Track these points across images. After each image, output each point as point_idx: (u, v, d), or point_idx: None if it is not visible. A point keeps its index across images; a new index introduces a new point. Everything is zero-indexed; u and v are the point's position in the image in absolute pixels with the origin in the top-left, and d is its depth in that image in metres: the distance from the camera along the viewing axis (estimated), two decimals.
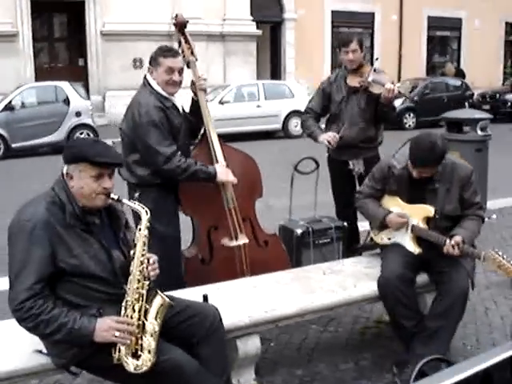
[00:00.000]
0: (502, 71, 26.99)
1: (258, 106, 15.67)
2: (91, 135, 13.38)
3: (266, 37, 22.13)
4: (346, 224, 4.43)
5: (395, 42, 24.87)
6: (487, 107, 17.38)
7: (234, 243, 3.74)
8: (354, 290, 3.38)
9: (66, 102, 13.72)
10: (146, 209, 2.56)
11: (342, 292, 3.34)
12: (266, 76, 21.74)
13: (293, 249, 4.19)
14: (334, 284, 3.44)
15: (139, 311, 2.45)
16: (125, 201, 2.59)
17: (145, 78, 3.63)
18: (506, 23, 26.67)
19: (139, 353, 2.41)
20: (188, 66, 3.79)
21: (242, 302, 3.16)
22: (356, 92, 4.46)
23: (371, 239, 3.87)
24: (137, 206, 2.59)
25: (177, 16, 3.87)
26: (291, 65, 22.67)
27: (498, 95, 19.34)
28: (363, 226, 4.58)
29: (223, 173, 3.60)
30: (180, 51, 3.76)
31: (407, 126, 16.83)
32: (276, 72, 22.93)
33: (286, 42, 22.68)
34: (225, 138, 4.06)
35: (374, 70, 4.45)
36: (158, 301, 2.49)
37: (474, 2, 25.54)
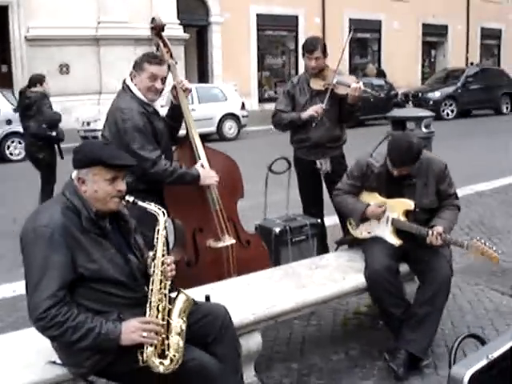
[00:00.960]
0: (420, 71, 28.19)
1: (193, 110, 15.58)
2: (22, 143, 12.94)
3: (192, 40, 22.13)
4: (319, 221, 4.56)
5: None
6: (410, 106, 18.09)
7: (221, 244, 3.78)
8: (344, 282, 3.52)
9: None
10: (162, 209, 2.58)
11: (334, 285, 3.47)
12: (194, 80, 21.71)
13: (271, 247, 4.28)
14: (323, 278, 3.56)
15: (163, 311, 2.47)
16: (140, 203, 2.59)
17: (124, 82, 3.61)
18: (424, 24, 27.87)
19: (166, 352, 2.42)
20: (168, 70, 3.80)
21: (242, 300, 3.21)
22: (319, 94, 4.60)
23: (349, 233, 4.03)
24: (153, 207, 2.59)
25: (154, 19, 3.85)
26: (219, 68, 22.80)
27: (420, 94, 20.26)
28: (335, 220, 4.74)
29: (206, 176, 3.65)
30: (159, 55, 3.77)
31: None
32: (204, 75, 22.97)
33: (213, 45, 22.79)
34: None
35: (335, 72, 4.61)
36: (181, 299, 2.52)
37: (393, 5, 26.63)
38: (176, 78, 3.81)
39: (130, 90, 3.56)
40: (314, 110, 4.48)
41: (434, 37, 29.65)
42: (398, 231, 3.68)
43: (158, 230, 2.55)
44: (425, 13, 27.90)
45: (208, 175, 3.66)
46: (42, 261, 2.35)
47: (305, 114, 4.53)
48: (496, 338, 1.96)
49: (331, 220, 5.14)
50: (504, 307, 4.29)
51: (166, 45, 3.85)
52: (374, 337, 3.87)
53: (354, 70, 26.52)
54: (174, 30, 19.88)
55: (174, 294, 2.57)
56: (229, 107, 16.38)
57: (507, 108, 21.94)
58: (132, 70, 3.58)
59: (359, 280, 3.54)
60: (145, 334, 2.37)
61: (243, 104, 17.09)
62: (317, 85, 4.61)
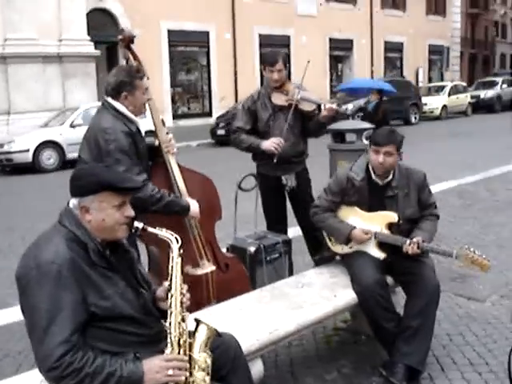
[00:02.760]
0: (328, 84, 28.95)
1: None
2: None
3: (103, 57, 21.59)
4: (290, 237, 4.48)
5: (230, 60, 25.64)
6: None
7: (200, 271, 3.60)
8: (336, 299, 3.44)
9: None
10: (175, 235, 2.40)
11: (328, 303, 3.38)
12: None
13: (246, 267, 4.15)
14: (315, 297, 3.46)
15: (184, 345, 2.27)
16: (150, 229, 2.39)
17: (106, 102, 3.37)
18: (330, 39, 28.69)
19: None
20: None
21: (242, 326, 3.05)
22: (282, 109, 4.52)
23: (328, 249, 3.97)
24: (164, 233, 2.40)
25: (122, 30, 3.63)
26: None
27: None
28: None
29: (196, 208, 3.46)
30: None
31: None
32: None
33: (124, 62, 22.28)
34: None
35: (298, 88, 4.55)
36: (202, 330, 2.34)
37: (300, 20, 27.29)
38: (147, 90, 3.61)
39: (114, 108, 3.33)
40: (274, 144, 4.35)
41: (340, 51, 30.62)
42: (381, 244, 3.66)
43: (173, 258, 2.36)
44: (331, 28, 28.78)
45: (196, 207, 3.46)
46: (50, 302, 2.09)
47: (264, 146, 4.40)
48: None
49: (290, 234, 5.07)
50: (475, 312, 4.37)
51: (136, 57, 3.63)
52: (361, 352, 3.82)
53: None
54: (84, 46, 19.40)
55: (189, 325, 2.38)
56: (148, 124, 16.02)
57: (415, 118, 22.96)
58: (122, 93, 3.30)
59: (350, 296, 3.48)
60: (171, 371, 2.17)
61: (162, 121, 16.75)
62: (279, 100, 4.52)
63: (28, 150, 14.20)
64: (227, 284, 3.73)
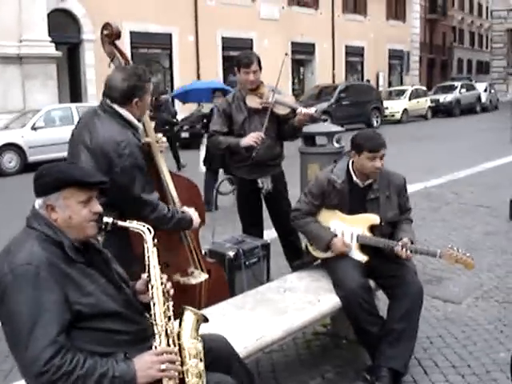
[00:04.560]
0: (291, 88, 29.05)
1: None
2: None
3: (63, 58, 21.18)
4: (268, 241, 4.44)
5: (193, 62, 25.49)
6: None
7: (194, 280, 3.47)
8: (321, 304, 3.41)
9: None
10: (147, 226, 2.33)
11: (312, 308, 3.35)
12: (66, 99, 20.79)
13: (225, 272, 4.08)
14: (298, 302, 3.42)
15: (171, 335, 2.20)
16: (120, 222, 2.33)
17: (111, 108, 3.04)
18: (292, 43, 28.80)
19: (186, 380, 2.16)
20: None
21: (227, 333, 2.94)
22: (257, 112, 4.47)
23: (308, 254, 3.94)
24: (135, 225, 2.34)
25: (108, 25, 3.38)
26: (92, 87, 21.92)
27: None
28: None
29: (197, 218, 3.33)
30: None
31: None
32: (76, 94, 22.03)
33: (86, 63, 21.93)
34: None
35: (273, 91, 4.51)
36: (189, 317, 2.28)
37: (263, 24, 27.34)
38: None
39: (120, 116, 3.03)
40: (254, 138, 4.30)
41: (302, 55, 30.75)
42: (364, 247, 3.65)
43: (148, 248, 2.29)
44: (293, 32, 28.91)
45: (197, 216, 3.32)
46: (31, 305, 1.98)
47: (244, 142, 4.35)
48: None
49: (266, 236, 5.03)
50: (452, 314, 4.41)
51: (122, 54, 3.45)
52: (343, 357, 3.79)
53: (230, 86, 26.82)
54: (45, 47, 18.98)
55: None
56: None
57: (377, 122, 23.25)
58: (134, 99, 3.01)
59: (333, 300, 3.46)
60: (163, 366, 2.09)
61: None
62: (254, 102, 4.48)
63: None
64: (210, 290, 3.65)
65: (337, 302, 3.44)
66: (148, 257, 2.28)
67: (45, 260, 2.05)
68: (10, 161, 14.17)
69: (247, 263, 4.19)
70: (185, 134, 18.09)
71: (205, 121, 9.98)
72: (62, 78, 20.83)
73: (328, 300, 3.46)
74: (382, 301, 3.83)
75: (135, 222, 2.37)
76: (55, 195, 2.15)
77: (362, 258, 3.63)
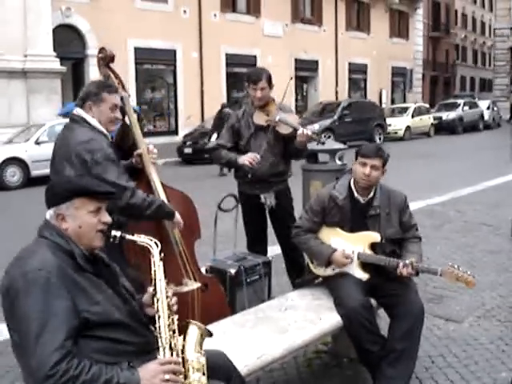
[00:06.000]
0: (294, 104, 29.15)
1: None
2: None
3: (68, 73, 21.33)
4: (270, 259, 4.44)
5: (197, 78, 25.64)
6: None
7: (185, 288, 3.51)
8: (322, 323, 3.40)
9: None
10: (154, 240, 2.37)
11: (313, 327, 3.34)
12: None
13: (226, 289, 4.08)
14: (299, 320, 3.41)
15: (176, 348, 2.22)
16: (128, 236, 2.36)
17: (76, 115, 3.29)
18: (296, 59, 28.98)
19: None
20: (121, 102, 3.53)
21: (228, 351, 2.96)
22: (262, 129, 4.50)
23: (310, 272, 3.93)
24: (143, 239, 2.37)
25: (103, 49, 3.59)
26: None
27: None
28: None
29: (179, 216, 3.42)
30: None
31: None
32: None
33: (90, 78, 22.06)
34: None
35: (280, 109, 4.54)
36: (193, 331, 2.30)
37: (267, 41, 27.52)
38: (130, 109, 3.55)
39: (87, 122, 3.24)
40: (249, 159, 4.37)
41: (305, 71, 30.92)
42: (365, 264, 3.64)
43: (154, 262, 2.32)
44: (297, 49, 29.10)
45: (179, 215, 3.42)
46: (40, 309, 2.02)
47: (241, 160, 4.42)
48: None
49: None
50: (453, 333, 4.39)
51: (116, 76, 3.60)
52: (345, 376, 3.78)
53: (233, 103, 26.95)
54: (50, 62, 19.12)
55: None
56: None
57: (380, 138, 23.28)
58: (88, 102, 3.26)
59: (335, 319, 3.44)
60: (167, 376, 2.11)
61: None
62: (260, 119, 4.52)
63: None
64: (207, 304, 3.65)
65: (338, 321, 3.43)
66: (154, 271, 2.32)
67: (56, 267, 2.10)
68: (14, 175, 14.20)
69: (248, 280, 4.19)
70: (188, 150, 18.13)
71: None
72: (66, 92, 20.94)
73: (329, 318, 3.45)
74: (383, 319, 3.82)
75: (143, 236, 2.40)
76: (66, 205, 2.22)
77: (363, 276, 3.62)
